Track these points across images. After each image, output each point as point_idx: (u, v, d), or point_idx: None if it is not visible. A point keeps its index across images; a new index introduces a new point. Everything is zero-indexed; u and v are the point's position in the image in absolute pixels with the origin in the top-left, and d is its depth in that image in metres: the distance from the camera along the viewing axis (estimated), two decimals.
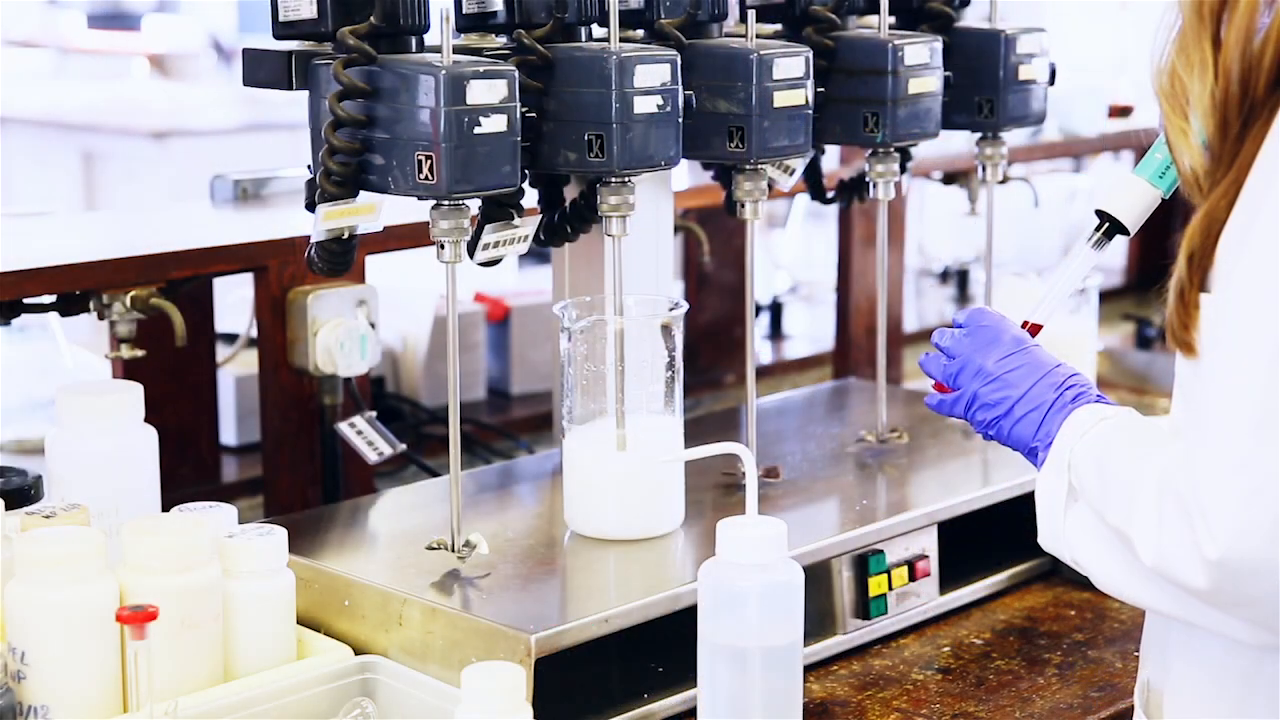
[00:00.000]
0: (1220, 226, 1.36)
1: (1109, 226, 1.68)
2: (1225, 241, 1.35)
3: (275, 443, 2.20)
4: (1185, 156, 1.41)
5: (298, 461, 2.21)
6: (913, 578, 1.98)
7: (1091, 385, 1.56)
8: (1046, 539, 1.54)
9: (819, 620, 1.90)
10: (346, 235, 1.76)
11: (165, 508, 1.83)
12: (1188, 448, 1.33)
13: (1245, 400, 1.28)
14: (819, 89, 2.02)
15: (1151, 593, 1.41)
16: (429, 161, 1.64)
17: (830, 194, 2.37)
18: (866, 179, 2.19)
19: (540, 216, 1.96)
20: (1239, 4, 1.36)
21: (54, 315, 2.16)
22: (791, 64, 1.90)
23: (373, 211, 1.75)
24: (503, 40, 1.84)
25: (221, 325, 2.46)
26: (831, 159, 2.83)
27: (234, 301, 2.56)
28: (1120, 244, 1.70)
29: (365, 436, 2.18)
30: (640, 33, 1.94)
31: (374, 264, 2.26)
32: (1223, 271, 1.36)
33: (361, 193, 1.72)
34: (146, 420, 1.86)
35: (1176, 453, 1.36)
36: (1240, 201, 1.35)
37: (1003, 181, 2.37)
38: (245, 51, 1.77)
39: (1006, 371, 1.57)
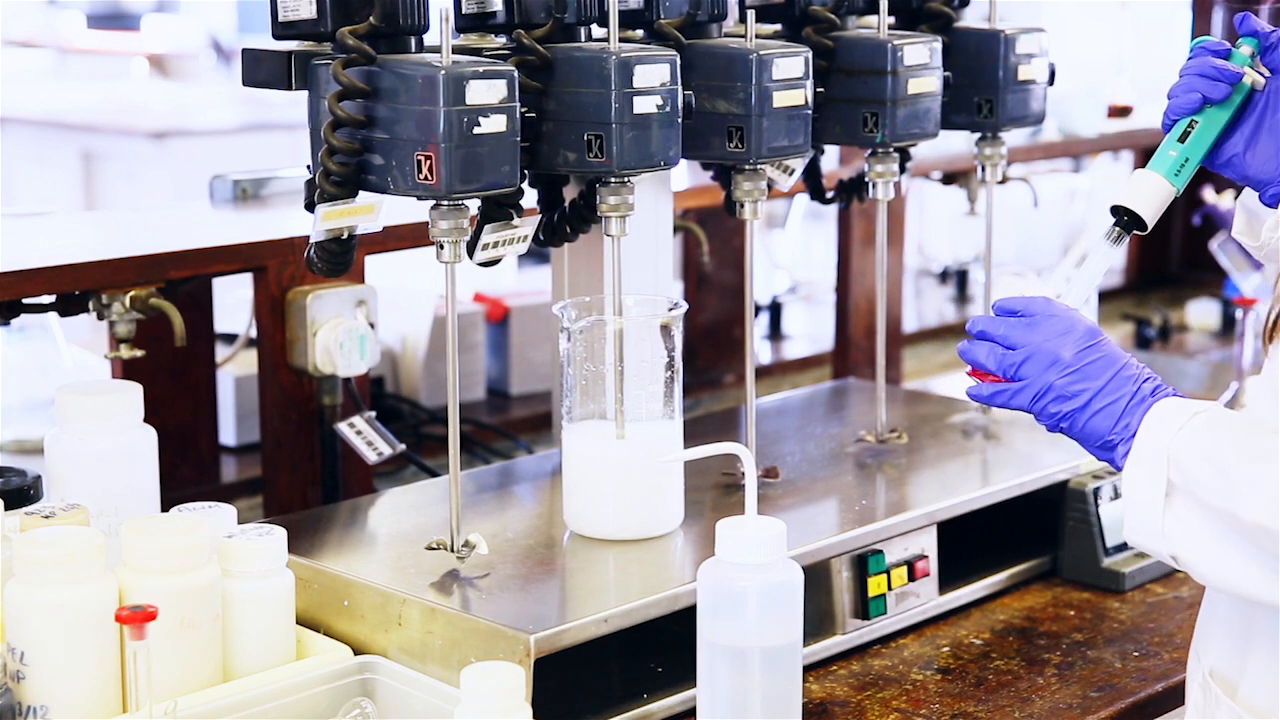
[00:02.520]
0: None
1: (1126, 221, 1.68)
2: None
3: (275, 443, 2.20)
4: None
5: (297, 461, 2.21)
6: (912, 578, 1.98)
7: (1164, 380, 1.55)
8: (1139, 535, 1.51)
9: (818, 620, 1.90)
10: (346, 235, 1.76)
11: (165, 508, 1.83)
12: None
13: None
14: (819, 89, 2.02)
15: None
16: (428, 161, 1.64)
17: (830, 194, 2.37)
18: (866, 179, 2.19)
19: (540, 216, 1.96)
20: None
21: (53, 315, 2.16)
22: (791, 64, 1.90)
23: (372, 212, 1.75)
24: (502, 40, 1.84)
25: (221, 325, 2.46)
26: (831, 159, 2.83)
27: (233, 301, 2.56)
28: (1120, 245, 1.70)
29: (365, 436, 2.18)
30: (640, 33, 1.94)
31: (373, 264, 2.26)
32: None
33: (361, 193, 1.72)
34: (146, 420, 1.86)
35: None
36: None
37: (1002, 181, 2.37)
38: (245, 51, 1.77)
39: (1086, 363, 1.54)
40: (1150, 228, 1.69)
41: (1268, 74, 1.69)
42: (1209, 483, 1.44)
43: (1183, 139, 1.68)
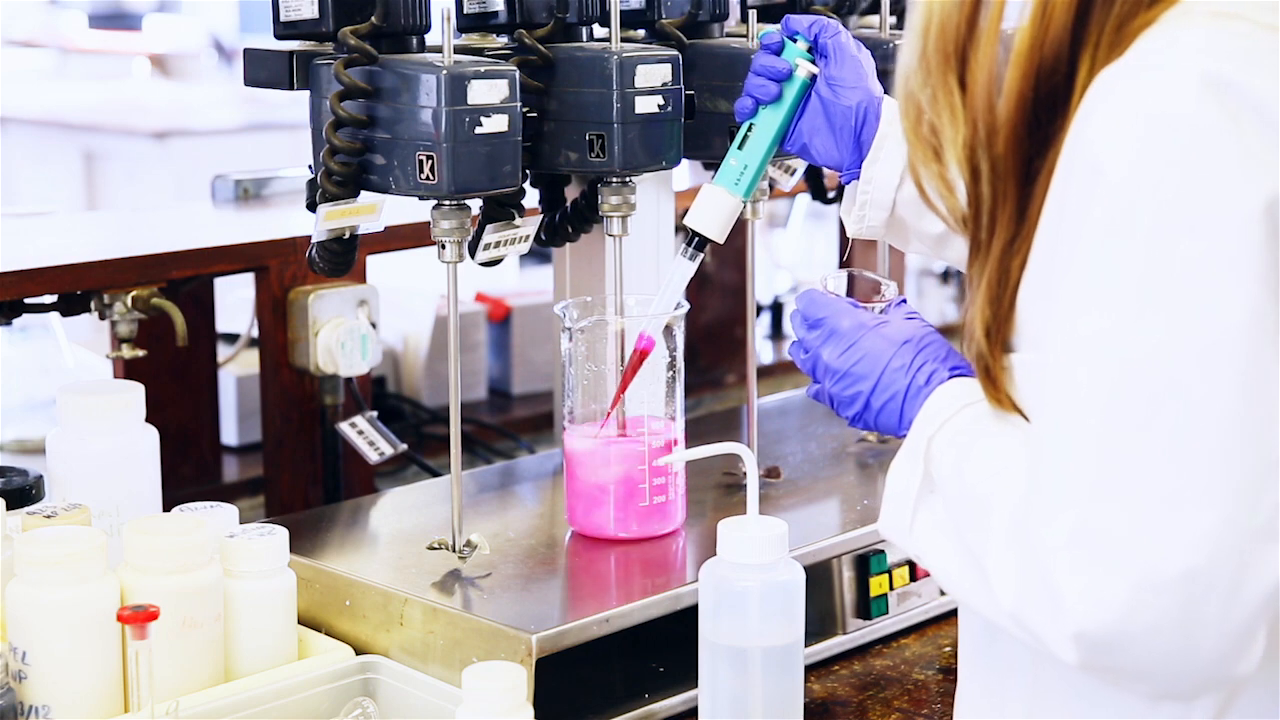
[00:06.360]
0: (1015, 288, 1.26)
1: (698, 238, 1.75)
2: (1027, 298, 1.26)
3: (276, 443, 2.20)
4: (944, 201, 1.31)
5: (298, 461, 2.21)
6: (914, 578, 1.97)
7: (945, 354, 1.41)
8: (888, 528, 1.38)
9: (820, 620, 1.90)
10: (348, 235, 1.76)
11: (166, 508, 1.83)
12: (1033, 510, 1.18)
13: (1080, 464, 1.15)
14: None
15: (1010, 627, 1.24)
16: (430, 161, 1.64)
17: (831, 194, 2.37)
18: None
19: (541, 216, 1.96)
20: (981, 42, 1.24)
21: (55, 315, 2.16)
22: None
23: (374, 211, 1.75)
24: (504, 40, 1.84)
25: (222, 325, 2.46)
26: None
27: (235, 301, 2.57)
28: None
29: (366, 436, 2.18)
30: (641, 33, 1.94)
31: (375, 264, 2.26)
32: (1029, 330, 1.26)
33: (363, 192, 1.72)
34: (147, 420, 1.86)
35: (1023, 497, 1.20)
36: (1034, 255, 1.24)
37: None
38: (246, 51, 1.77)
39: (851, 365, 1.44)
40: (722, 240, 1.76)
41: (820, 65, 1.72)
42: (949, 490, 1.30)
43: (742, 145, 1.74)
